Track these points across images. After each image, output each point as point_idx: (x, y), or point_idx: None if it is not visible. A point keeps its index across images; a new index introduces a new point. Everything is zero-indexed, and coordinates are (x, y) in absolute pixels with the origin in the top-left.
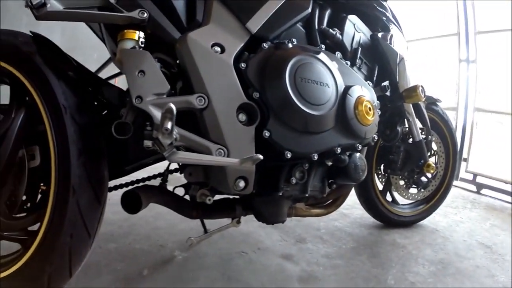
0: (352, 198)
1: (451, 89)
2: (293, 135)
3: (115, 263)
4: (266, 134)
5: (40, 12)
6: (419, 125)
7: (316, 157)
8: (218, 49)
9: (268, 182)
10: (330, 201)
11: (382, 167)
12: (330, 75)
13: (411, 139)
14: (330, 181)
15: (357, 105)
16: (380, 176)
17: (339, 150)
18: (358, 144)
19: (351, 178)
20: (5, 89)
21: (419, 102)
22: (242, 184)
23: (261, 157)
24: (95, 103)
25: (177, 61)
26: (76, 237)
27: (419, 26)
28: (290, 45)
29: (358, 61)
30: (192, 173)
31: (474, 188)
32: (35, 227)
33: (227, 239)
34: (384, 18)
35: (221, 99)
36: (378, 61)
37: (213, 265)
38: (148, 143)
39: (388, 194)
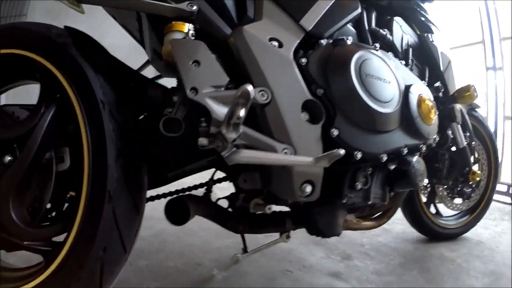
0: None
1: (479, 98)
2: (362, 134)
3: (147, 282)
4: (335, 132)
5: None
6: None
7: (385, 158)
8: (276, 43)
9: (332, 189)
10: (380, 213)
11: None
12: (391, 73)
13: (453, 147)
14: (389, 189)
15: (420, 104)
16: (422, 188)
17: (405, 151)
18: (422, 145)
19: (411, 183)
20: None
21: (462, 108)
22: (309, 189)
23: (342, 152)
24: (137, 101)
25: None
26: (110, 251)
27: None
28: (349, 42)
29: (410, 62)
30: (248, 180)
31: (508, 199)
32: (60, 238)
33: (267, 257)
34: (424, 19)
35: (284, 94)
36: (427, 63)
37: (257, 285)
38: (203, 141)
39: (431, 206)
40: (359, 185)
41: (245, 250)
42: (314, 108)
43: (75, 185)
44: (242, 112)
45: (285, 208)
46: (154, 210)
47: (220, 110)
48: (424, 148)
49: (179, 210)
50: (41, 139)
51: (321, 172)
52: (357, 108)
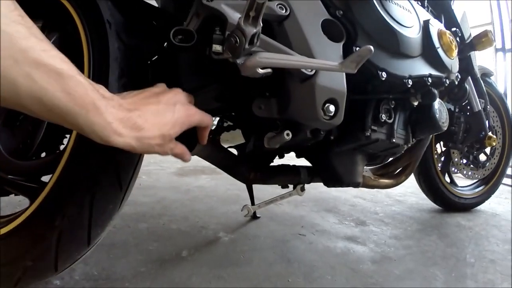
0: (403, 187)
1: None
2: (386, 55)
3: (146, 243)
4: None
5: None
6: None
7: (410, 83)
8: None
9: (353, 121)
10: (398, 170)
11: (439, 145)
12: (410, 4)
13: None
14: (412, 132)
15: (440, 35)
16: (437, 156)
17: (429, 80)
18: (445, 78)
19: (434, 125)
20: None
21: (476, 72)
22: (332, 108)
23: (372, 48)
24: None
25: None
26: (103, 184)
27: None
28: None
29: (425, 8)
30: (263, 106)
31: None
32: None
33: (277, 222)
34: None
35: (303, 10)
36: (442, 11)
37: (267, 247)
38: (217, 47)
39: (446, 176)
40: (383, 116)
41: (253, 204)
42: (334, 27)
43: None
44: None
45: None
46: (157, 181)
47: (236, 16)
48: (447, 82)
49: (186, 137)
50: None
51: (345, 90)
52: (380, 28)
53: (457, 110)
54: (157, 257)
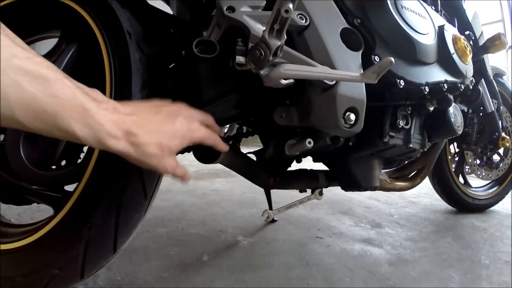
0: (416, 188)
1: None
2: (403, 63)
3: (167, 248)
4: (376, 59)
5: None
6: None
7: (427, 90)
8: None
9: (371, 128)
10: (414, 173)
11: (453, 146)
12: (425, 10)
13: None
14: (427, 136)
15: (455, 41)
16: (451, 157)
17: (445, 86)
18: (460, 84)
19: (449, 128)
20: None
21: (489, 74)
22: (353, 117)
23: (393, 60)
24: (164, 37)
25: None
26: (129, 194)
27: None
28: None
29: (439, 11)
30: (284, 114)
31: None
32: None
33: (294, 225)
34: None
35: (322, 20)
36: (456, 14)
37: (286, 250)
38: (241, 59)
39: (460, 176)
40: (401, 123)
41: (270, 209)
42: (352, 36)
43: None
44: (290, 5)
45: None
46: (173, 184)
47: (258, 27)
48: (462, 88)
49: (208, 149)
50: None
51: (364, 99)
52: (397, 36)
53: (470, 111)
54: (179, 262)
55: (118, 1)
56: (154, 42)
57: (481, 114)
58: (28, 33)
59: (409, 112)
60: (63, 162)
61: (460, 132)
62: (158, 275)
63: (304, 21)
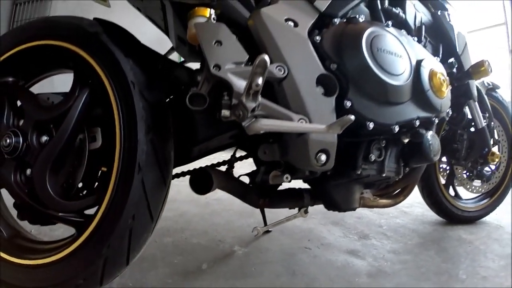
0: (411, 197)
1: (504, 82)
2: (374, 105)
3: (172, 256)
4: (348, 104)
5: None
6: None
7: (397, 129)
8: (292, 23)
9: (346, 161)
10: (397, 191)
11: (444, 158)
12: (402, 47)
13: (472, 128)
14: (403, 163)
15: (431, 77)
16: (441, 170)
17: (417, 123)
18: (434, 118)
19: (426, 157)
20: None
21: (480, 88)
22: (323, 157)
23: (352, 117)
24: (164, 82)
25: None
26: (138, 219)
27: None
28: (361, 20)
29: (423, 40)
30: (267, 151)
31: None
32: (92, 212)
33: (287, 235)
34: None
35: (300, 69)
36: (441, 40)
37: (276, 260)
38: (226, 112)
39: (450, 189)
40: (372, 157)
41: (265, 224)
42: (328, 81)
43: (107, 161)
44: (259, 81)
45: (304, 186)
46: (178, 193)
47: (240, 83)
48: (436, 121)
49: (203, 180)
50: (75, 120)
51: (335, 141)
52: (369, 81)
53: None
54: (182, 269)
55: (122, 50)
56: (156, 89)
57: (472, 129)
58: (43, 70)
59: (383, 145)
60: (82, 188)
61: (436, 159)
62: (164, 282)
63: (282, 72)
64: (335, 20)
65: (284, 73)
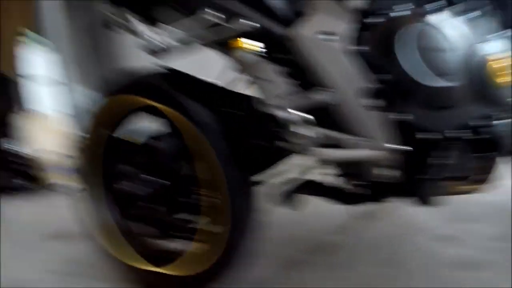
0: None
1: None
2: (431, 113)
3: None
4: (406, 117)
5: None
6: None
7: (463, 132)
8: (331, 37)
9: (416, 167)
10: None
11: None
12: (450, 40)
13: None
14: (482, 156)
15: (485, 66)
16: None
17: (483, 120)
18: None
19: (502, 149)
20: None
21: None
22: (388, 172)
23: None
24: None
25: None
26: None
27: None
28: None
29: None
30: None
31: None
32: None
33: (382, 223)
34: None
35: (351, 89)
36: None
37: (372, 250)
38: (281, 144)
39: None
40: (445, 161)
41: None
42: (379, 94)
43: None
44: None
45: None
46: None
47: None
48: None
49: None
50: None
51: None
52: (421, 87)
53: None
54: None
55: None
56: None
57: None
58: None
59: (452, 145)
60: None
61: None
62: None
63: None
64: (375, 20)
65: (333, 96)
